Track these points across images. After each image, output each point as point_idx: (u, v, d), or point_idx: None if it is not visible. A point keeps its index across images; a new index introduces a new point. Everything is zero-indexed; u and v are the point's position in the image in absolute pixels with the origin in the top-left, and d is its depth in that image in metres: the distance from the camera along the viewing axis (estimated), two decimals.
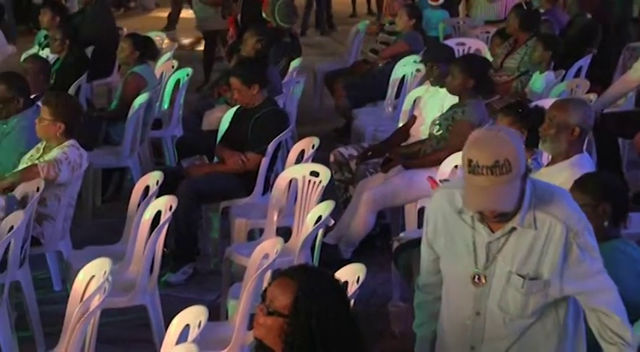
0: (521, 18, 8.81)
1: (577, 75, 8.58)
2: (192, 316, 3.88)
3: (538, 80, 7.92)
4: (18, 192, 5.64)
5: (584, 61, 8.79)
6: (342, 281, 4.13)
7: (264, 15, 9.90)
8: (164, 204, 5.38)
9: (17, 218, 5.08)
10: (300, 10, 11.81)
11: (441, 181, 5.56)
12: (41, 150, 5.89)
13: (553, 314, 3.50)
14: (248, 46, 8.28)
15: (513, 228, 3.40)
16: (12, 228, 5.04)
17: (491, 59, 8.68)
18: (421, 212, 6.44)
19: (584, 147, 5.17)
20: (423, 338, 3.80)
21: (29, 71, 6.97)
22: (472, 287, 3.48)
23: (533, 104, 5.96)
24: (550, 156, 5.17)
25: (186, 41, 14.42)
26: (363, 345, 3.27)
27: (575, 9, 10.41)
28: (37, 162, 5.75)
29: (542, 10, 10.10)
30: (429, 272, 3.71)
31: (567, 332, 3.54)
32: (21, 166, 5.85)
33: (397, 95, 8.67)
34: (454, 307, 3.58)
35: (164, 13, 15.63)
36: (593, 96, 7.41)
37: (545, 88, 7.76)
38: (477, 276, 3.46)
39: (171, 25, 14.90)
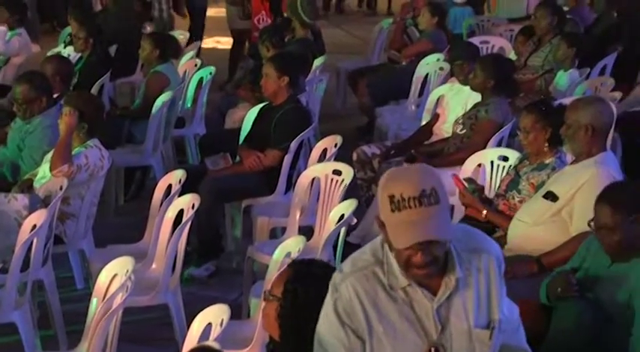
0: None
1: (602, 73, 8.53)
2: (215, 315, 3.87)
3: (562, 78, 7.88)
4: (41, 191, 5.65)
5: (609, 59, 8.72)
6: None
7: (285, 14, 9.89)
8: (187, 202, 5.37)
9: (40, 216, 5.08)
10: None
11: (464, 180, 5.51)
12: None
13: None
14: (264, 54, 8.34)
15: (457, 280, 3.06)
16: (35, 226, 5.04)
17: (514, 57, 8.65)
18: None
19: (609, 144, 5.11)
20: None
21: (46, 73, 6.93)
22: None
23: (557, 102, 5.92)
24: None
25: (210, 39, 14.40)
26: None
27: (602, 7, 10.34)
28: None
29: (566, 9, 10.05)
30: None
31: None
32: (44, 164, 5.84)
33: (420, 93, 8.65)
34: None
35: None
36: (617, 95, 7.34)
37: (570, 85, 7.71)
38: (433, 349, 3.11)
39: None
